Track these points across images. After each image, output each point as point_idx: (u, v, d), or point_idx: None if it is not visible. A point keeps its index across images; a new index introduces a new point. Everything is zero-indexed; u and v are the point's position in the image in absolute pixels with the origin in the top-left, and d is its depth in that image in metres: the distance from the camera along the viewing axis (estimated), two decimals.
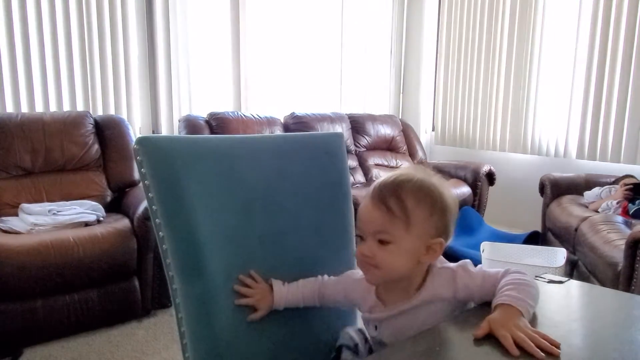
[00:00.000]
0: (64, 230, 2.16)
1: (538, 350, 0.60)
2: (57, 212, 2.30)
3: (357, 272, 0.90)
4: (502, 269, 0.78)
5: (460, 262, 0.81)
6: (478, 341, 0.64)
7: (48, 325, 2.01)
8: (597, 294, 0.87)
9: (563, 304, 0.79)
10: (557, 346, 0.61)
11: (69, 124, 2.61)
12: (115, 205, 2.61)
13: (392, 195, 0.77)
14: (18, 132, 2.47)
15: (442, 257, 0.83)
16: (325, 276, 0.95)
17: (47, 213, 2.28)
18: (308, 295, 0.93)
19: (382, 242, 0.77)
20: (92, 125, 2.70)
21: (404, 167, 0.99)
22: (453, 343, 0.67)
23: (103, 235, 2.12)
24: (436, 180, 0.81)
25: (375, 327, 0.86)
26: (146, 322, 2.26)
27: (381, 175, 3.82)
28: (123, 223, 2.26)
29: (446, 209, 0.79)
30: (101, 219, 2.36)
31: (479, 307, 0.76)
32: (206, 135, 2.97)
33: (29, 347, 1.99)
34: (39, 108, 2.82)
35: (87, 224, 2.27)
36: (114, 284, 2.15)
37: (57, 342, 2.04)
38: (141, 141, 0.82)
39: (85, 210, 2.36)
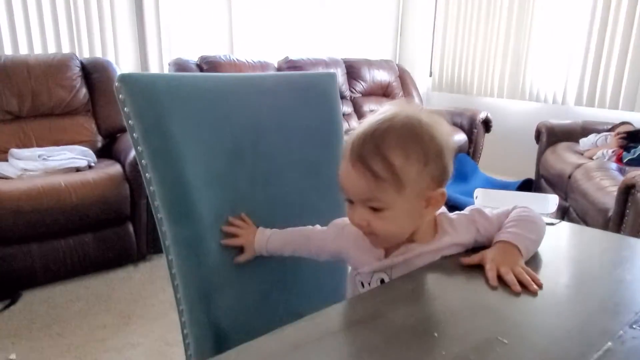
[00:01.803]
0: (55, 175, 2.14)
1: (517, 283, 0.60)
2: (47, 157, 2.27)
3: (345, 220, 0.77)
4: (510, 207, 0.75)
5: (470, 207, 0.76)
6: (468, 281, 0.64)
7: (45, 269, 2.03)
8: (588, 235, 0.88)
9: (553, 245, 0.79)
10: (540, 286, 0.60)
11: (54, 67, 2.53)
12: (106, 151, 2.58)
13: (375, 155, 0.64)
14: (2, 75, 2.39)
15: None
16: (317, 226, 0.86)
17: (37, 158, 2.25)
18: (292, 245, 0.86)
19: (373, 209, 0.67)
20: (78, 68, 2.61)
21: (385, 106, 0.78)
22: (445, 281, 0.66)
23: (95, 180, 2.10)
24: (425, 116, 0.68)
25: (382, 281, 0.74)
26: (142, 266, 2.29)
27: None
28: (115, 169, 2.24)
29: (441, 151, 0.67)
30: (92, 164, 2.34)
31: (433, 265, 0.71)
32: (193, 73, 2.87)
33: (27, 289, 2.03)
34: (23, 50, 2.71)
35: (78, 170, 2.25)
36: (108, 229, 2.17)
37: (55, 285, 2.08)
38: (123, 79, 0.78)
39: (75, 155, 2.33)
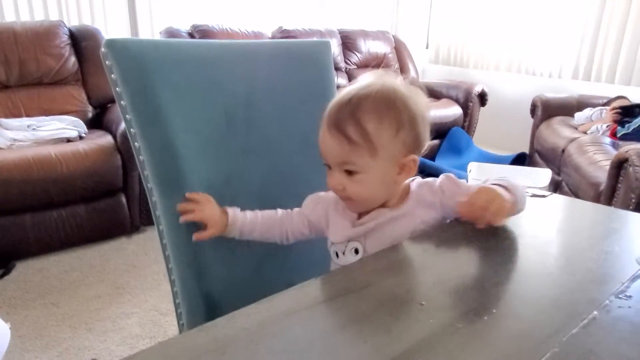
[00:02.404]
0: (45, 146, 2.11)
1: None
2: (37, 127, 2.24)
3: (320, 194, 0.82)
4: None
5: (444, 174, 0.77)
6: (457, 251, 0.64)
7: (38, 240, 2.03)
8: (578, 208, 0.88)
9: (544, 217, 0.80)
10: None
11: (42, 34, 2.46)
12: (97, 122, 2.55)
13: (349, 120, 0.67)
14: None
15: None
16: (296, 209, 0.85)
17: (27, 128, 2.22)
18: (266, 229, 0.83)
19: (349, 173, 0.70)
20: (67, 36, 2.55)
21: (363, 76, 0.80)
22: (434, 252, 0.66)
23: (86, 151, 2.08)
24: (401, 86, 0.71)
25: (356, 251, 0.76)
26: (136, 238, 2.30)
27: None
28: (106, 139, 2.22)
29: (415, 119, 0.70)
30: (83, 135, 2.31)
31: (423, 235, 0.72)
32: (182, 39, 2.79)
33: (21, 260, 2.03)
34: (9, 17, 2.64)
35: (68, 140, 2.22)
36: (100, 200, 2.16)
37: (48, 256, 2.08)
38: (109, 44, 0.76)
39: (66, 126, 2.30)
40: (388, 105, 0.68)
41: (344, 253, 0.77)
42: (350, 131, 0.67)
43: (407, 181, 0.76)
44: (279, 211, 0.85)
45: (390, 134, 0.68)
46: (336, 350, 0.45)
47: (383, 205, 0.75)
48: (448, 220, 0.75)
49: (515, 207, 0.70)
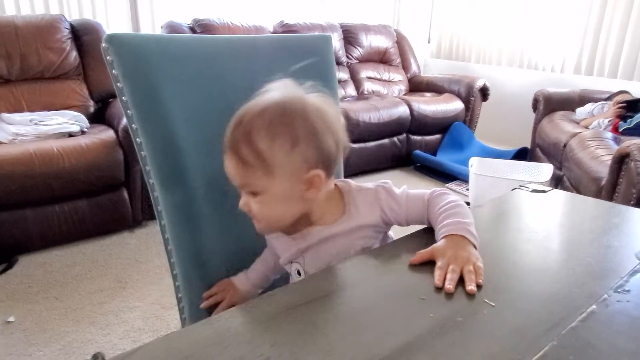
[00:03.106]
0: (47, 140, 2.12)
1: (454, 286, 0.54)
2: (39, 122, 2.24)
3: None
4: (425, 190, 0.72)
5: (380, 182, 0.73)
6: (400, 273, 0.60)
7: (40, 234, 2.04)
8: (579, 203, 0.88)
9: (545, 212, 0.80)
10: (479, 285, 0.55)
11: (43, 28, 2.46)
12: (99, 116, 2.55)
13: (243, 141, 0.64)
14: None
15: (352, 182, 0.75)
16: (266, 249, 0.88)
17: (29, 123, 2.22)
18: (265, 278, 0.87)
19: (252, 194, 0.67)
20: (68, 30, 2.55)
21: (264, 89, 0.67)
22: (374, 274, 0.61)
23: (88, 146, 2.08)
24: (302, 98, 0.67)
25: (298, 272, 0.76)
26: (138, 232, 2.31)
27: (373, 90, 3.70)
28: (108, 134, 2.22)
29: (315, 131, 0.65)
30: (85, 129, 2.31)
31: (422, 232, 0.71)
32: (183, 34, 2.80)
33: (24, 254, 2.04)
34: (10, 11, 2.63)
35: (70, 135, 2.23)
36: (102, 195, 2.16)
37: (51, 250, 2.09)
38: (110, 39, 0.76)
39: (68, 120, 2.30)
40: (281, 121, 0.65)
41: (291, 274, 0.78)
42: (243, 152, 0.65)
43: (340, 191, 0.73)
44: (260, 258, 0.88)
45: (285, 150, 0.64)
46: (337, 343, 0.45)
47: (309, 222, 0.72)
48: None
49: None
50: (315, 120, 0.66)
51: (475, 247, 0.62)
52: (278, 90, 0.68)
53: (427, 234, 0.69)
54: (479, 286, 0.55)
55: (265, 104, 0.66)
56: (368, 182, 0.75)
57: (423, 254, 0.61)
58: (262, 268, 0.87)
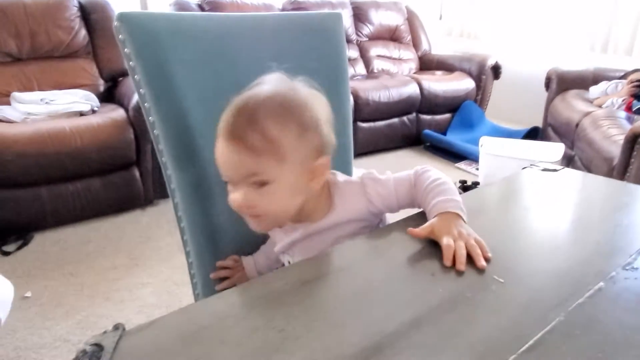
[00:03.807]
0: (59, 119, 2.14)
1: (464, 262, 0.55)
2: (50, 101, 2.26)
3: None
4: (410, 171, 0.71)
5: (364, 172, 0.72)
6: (410, 249, 0.60)
7: (54, 212, 2.08)
8: (590, 182, 0.88)
9: (555, 191, 0.80)
10: (488, 260, 0.56)
11: (52, 7, 2.46)
12: (109, 95, 2.56)
13: (249, 127, 0.61)
14: None
15: (339, 174, 0.74)
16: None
17: (40, 102, 2.24)
18: (272, 261, 0.87)
19: (258, 186, 0.63)
20: (76, 9, 2.54)
21: (257, 80, 0.66)
22: (385, 251, 0.62)
23: (99, 125, 2.10)
24: (298, 89, 0.67)
25: (290, 264, 0.76)
26: (150, 211, 2.34)
27: (383, 68, 3.64)
28: (118, 113, 2.23)
29: (318, 121, 0.65)
30: (95, 109, 2.33)
31: (416, 216, 0.69)
32: (194, 12, 2.78)
33: (38, 231, 2.08)
34: None
35: (81, 114, 2.25)
36: (114, 173, 2.19)
37: (65, 228, 2.14)
38: (122, 18, 0.76)
39: (79, 99, 2.32)
40: (289, 107, 0.64)
41: (283, 265, 0.79)
42: (251, 138, 0.61)
43: (327, 183, 0.72)
44: (266, 245, 0.88)
45: (294, 137, 0.63)
46: (350, 316, 0.47)
47: (298, 219, 0.70)
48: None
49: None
50: (316, 110, 0.66)
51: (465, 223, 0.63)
52: (272, 82, 0.67)
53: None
54: (487, 260, 0.55)
55: (268, 92, 0.65)
56: (362, 169, 0.75)
57: (422, 229, 0.61)
58: (267, 255, 0.88)
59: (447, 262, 0.55)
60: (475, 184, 2.61)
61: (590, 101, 2.89)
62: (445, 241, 0.57)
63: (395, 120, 3.28)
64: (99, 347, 0.41)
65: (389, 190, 0.69)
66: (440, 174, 0.69)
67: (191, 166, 0.84)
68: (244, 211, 0.66)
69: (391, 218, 0.74)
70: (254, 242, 0.95)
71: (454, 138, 3.33)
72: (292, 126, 0.63)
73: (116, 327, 0.44)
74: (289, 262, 0.77)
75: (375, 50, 3.74)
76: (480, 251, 0.56)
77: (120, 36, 0.76)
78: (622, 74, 3.01)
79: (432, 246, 0.59)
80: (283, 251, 0.77)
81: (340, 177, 0.73)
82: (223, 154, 0.64)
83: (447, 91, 3.45)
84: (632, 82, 2.74)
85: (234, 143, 0.62)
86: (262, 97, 0.64)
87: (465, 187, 2.57)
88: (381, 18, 3.80)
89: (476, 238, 0.59)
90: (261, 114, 0.62)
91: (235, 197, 0.64)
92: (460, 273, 0.53)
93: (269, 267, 0.89)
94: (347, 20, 3.62)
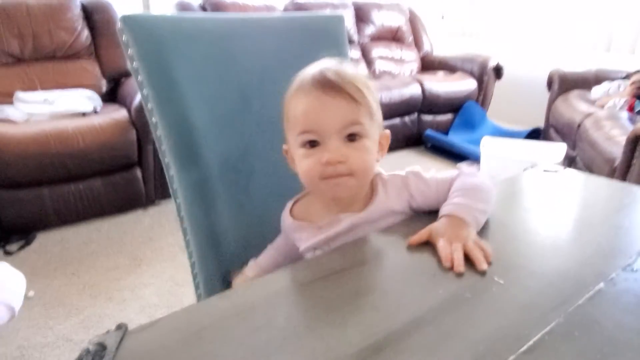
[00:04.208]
0: (62, 120, 2.15)
1: (463, 264, 0.54)
2: (53, 101, 2.27)
3: (286, 212, 0.78)
4: (455, 171, 0.71)
5: (410, 168, 0.72)
6: (412, 250, 0.60)
7: (57, 212, 2.09)
8: (591, 183, 0.88)
9: (556, 192, 0.80)
10: (489, 263, 0.55)
11: (54, 8, 2.47)
12: (111, 96, 2.57)
13: (345, 81, 0.63)
14: (2, 16, 2.34)
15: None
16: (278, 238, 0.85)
17: (43, 102, 2.24)
18: (281, 257, 0.83)
19: (351, 139, 0.64)
20: (79, 10, 2.55)
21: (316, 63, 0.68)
22: (386, 252, 0.62)
23: (101, 125, 2.11)
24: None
25: None
26: (151, 211, 2.35)
27: (385, 69, 3.64)
28: (121, 114, 2.24)
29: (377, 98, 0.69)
30: (98, 109, 2.34)
31: (424, 215, 0.69)
32: (197, 13, 2.79)
33: (41, 231, 2.09)
34: None
35: (84, 114, 2.25)
36: (116, 174, 2.20)
37: (67, 228, 2.15)
38: (125, 19, 0.77)
39: (81, 99, 2.32)
40: (366, 78, 0.68)
41: None
42: (350, 90, 0.63)
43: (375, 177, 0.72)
44: (273, 245, 0.85)
45: (376, 101, 0.67)
46: (349, 317, 0.47)
47: (344, 210, 0.69)
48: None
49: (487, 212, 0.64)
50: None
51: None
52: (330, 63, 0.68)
53: (436, 213, 0.70)
54: (488, 263, 0.55)
55: (338, 64, 0.67)
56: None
57: (422, 234, 0.61)
58: (274, 254, 0.86)
59: (446, 263, 0.55)
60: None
61: (593, 102, 2.89)
62: (441, 243, 0.57)
63: (397, 120, 3.29)
64: (101, 346, 0.42)
65: (431, 188, 0.70)
66: (480, 180, 0.68)
67: (194, 167, 0.84)
68: (334, 171, 0.63)
69: None
70: (256, 243, 0.95)
71: (456, 139, 3.34)
72: (373, 92, 0.67)
73: (119, 326, 0.44)
74: None
75: (377, 51, 3.74)
76: (480, 254, 0.56)
77: (124, 38, 0.77)
78: (624, 74, 3.01)
79: (433, 247, 0.60)
80: (315, 247, 0.73)
81: (382, 170, 0.74)
82: (316, 109, 0.64)
83: (449, 92, 3.45)
84: (634, 83, 2.74)
85: (334, 93, 0.63)
86: (339, 65, 0.67)
87: None
88: (383, 19, 3.80)
89: (479, 243, 0.58)
90: (350, 73, 0.65)
91: (329, 148, 0.63)
92: (460, 274, 0.54)
93: (276, 262, 0.86)
94: (349, 21, 3.63)
